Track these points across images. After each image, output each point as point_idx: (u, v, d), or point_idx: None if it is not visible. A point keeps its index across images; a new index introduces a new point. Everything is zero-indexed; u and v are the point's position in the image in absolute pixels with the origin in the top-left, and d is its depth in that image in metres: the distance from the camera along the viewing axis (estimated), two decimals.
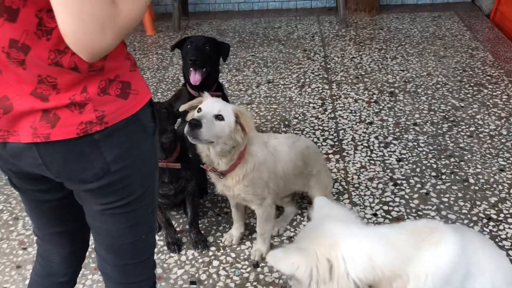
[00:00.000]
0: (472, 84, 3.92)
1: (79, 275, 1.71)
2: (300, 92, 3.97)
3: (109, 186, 1.23)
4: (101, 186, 1.22)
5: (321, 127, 3.49)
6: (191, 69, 2.61)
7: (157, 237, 2.59)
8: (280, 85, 4.09)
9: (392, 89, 3.92)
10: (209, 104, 2.02)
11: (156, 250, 2.38)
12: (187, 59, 2.61)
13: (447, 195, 2.78)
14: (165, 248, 2.54)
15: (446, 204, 2.72)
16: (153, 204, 1.40)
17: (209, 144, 2.03)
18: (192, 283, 2.33)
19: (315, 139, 3.35)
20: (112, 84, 1.14)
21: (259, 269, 2.38)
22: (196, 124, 1.90)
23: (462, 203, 2.72)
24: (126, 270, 1.43)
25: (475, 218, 2.61)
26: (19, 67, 1.07)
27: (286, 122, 3.57)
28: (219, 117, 1.97)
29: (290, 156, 2.36)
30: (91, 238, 1.51)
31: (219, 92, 2.82)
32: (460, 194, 2.78)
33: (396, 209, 2.70)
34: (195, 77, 2.59)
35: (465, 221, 2.59)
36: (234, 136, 2.01)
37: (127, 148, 1.20)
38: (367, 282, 1.41)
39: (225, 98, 2.87)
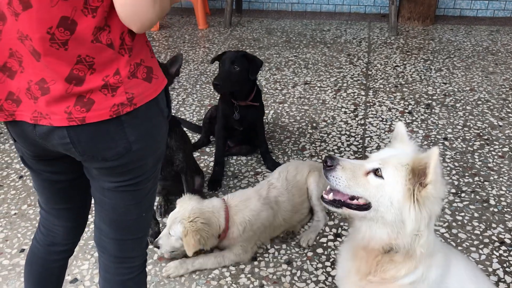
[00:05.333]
0: None
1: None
2: (334, 95, 3.97)
3: (127, 165, 1.32)
4: (121, 164, 1.30)
5: (348, 132, 3.47)
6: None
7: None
8: (316, 87, 4.11)
9: (430, 101, 3.83)
10: (169, 220, 2.29)
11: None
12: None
13: (462, 214, 2.70)
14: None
15: (459, 223, 2.64)
16: (156, 184, 1.50)
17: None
18: None
19: (339, 144, 3.34)
20: (139, 68, 1.23)
21: (255, 263, 2.43)
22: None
23: (476, 224, 2.63)
24: (123, 245, 1.50)
25: (486, 240, 2.52)
26: (61, 48, 1.15)
27: (314, 124, 3.58)
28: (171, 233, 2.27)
29: (290, 201, 2.49)
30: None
31: (256, 102, 2.98)
32: (476, 214, 2.69)
33: None
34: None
35: (475, 242, 2.51)
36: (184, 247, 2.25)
37: (147, 129, 1.29)
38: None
39: (261, 107, 3.11)
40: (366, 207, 1.46)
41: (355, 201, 1.48)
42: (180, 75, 4.35)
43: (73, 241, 1.73)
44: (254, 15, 5.85)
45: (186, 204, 2.30)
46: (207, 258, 2.37)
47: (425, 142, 3.32)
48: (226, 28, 5.47)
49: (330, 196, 1.51)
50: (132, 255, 1.53)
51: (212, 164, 3.14)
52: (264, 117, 3.66)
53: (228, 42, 5.09)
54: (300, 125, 3.58)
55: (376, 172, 1.43)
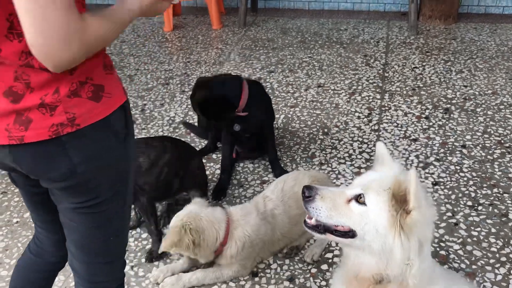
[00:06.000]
0: None
1: None
2: (348, 99, 3.83)
3: (77, 187, 1.26)
4: (69, 186, 1.25)
5: (360, 139, 3.33)
6: None
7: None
8: (329, 90, 3.97)
9: (448, 106, 3.65)
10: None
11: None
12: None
13: (478, 229, 2.54)
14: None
15: (475, 239, 2.48)
16: (123, 208, 1.42)
17: None
18: None
19: (351, 151, 3.21)
20: (84, 86, 1.16)
21: (256, 279, 2.34)
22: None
23: (493, 240, 2.47)
24: (92, 269, 1.46)
25: (503, 259, 2.36)
26: None
27: (326, 130, 3.45)
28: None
29: (286, 213, 2.38)
30: None
31: (246, 112, 2.78)
32: (493, 230, 2.53)
33: None
34: None
35: (491, 261, 2.35)
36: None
37: (95, 151, 1.22)
38: None
39: (269, 112, 3.03)
40: (351, 234, 1.35)
41: (339, 227, 1.37)
42: (189, 77, 4.28)
43: (60, 254, 1.68)
44: (269, 14, 5.72)
45: (188, 207, 2.26)
46: (205, 273, 2.28)
47: (442, 150, 3.16)
48: (240, 28, 5.36)
49: (313, 221, 1.41)
50: (103, 279, 1.48)
51: (218, 171, 3.05)
52: (274, 122, 3.55)
53: (242, 43, 4.98)
54: (311, 131, 3.45)
55: (358, 198, 1.32)
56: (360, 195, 1.33)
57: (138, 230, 2.67)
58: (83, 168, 1.22)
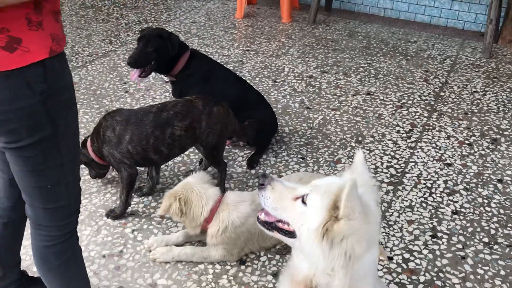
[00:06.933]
0: None
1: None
2: (394, 112, 3.71)
3: None
4: None
5: (392, 153, 3.23)
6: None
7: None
8: (377, 100, 3.87)
9: (498, 136, 3.43)
10: None
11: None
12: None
13: (486, 268, 2.39)
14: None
15: (478, 277, 2.34)
16: (60, 160, 1.49)
17: None
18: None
19: (378, 163, 3.13)
20: None
21: (242, 267, 2.37)
22: None
23: (498, 282, 2.31)
24: (35, 211, 1.57)
25: None
26: None
27: (360, 138, 3.38)
28: None
29: None
30: None
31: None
32: (502, 272, 2.37)
33: (417, 261, 2.42)
34: (132, 74, 3.00)
35: None
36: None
37: (6, 96, 1.31)
38: None
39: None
40: (294, 235, 1.34)
41: (285, 226, 1.37)
42: (243, 65, 4.35)
43: (15, 195, 1.71)
44: (342, 15, 5.64)
45: (188, 178, 2.37)
46: (194, 251, 2.36)
47: (474, 180, 2.99)
48: (308, 25, 5.35)
49: (262, 216, 1.42)
50: (45, 224, 1.57)
51: (240, 158, 3.11)
52: (310, 121, 3.54)
53: (305, 39, 4.97)
54: (345, 136, 3.40)
55: (304, 198, 1.31)
56: (306, 194, 1.32)
57: (150, 198, 2.80)
58: None
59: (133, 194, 2.74)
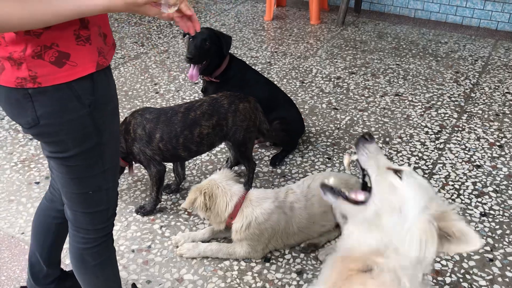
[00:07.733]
0: None
1: None
2: (422, 113, 3.68)
3: (42, 137, 1.44)
4: (36, 134, 1.43)
5: (420, 154, 3.21)
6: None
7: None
8: (406, 101, 3.84)
9: None
10: None
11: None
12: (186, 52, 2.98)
13: None
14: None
15: (507, 279, 2.31)
16: (103, 167, 1.54)
17: None
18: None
19: (406, 165, 3.11)
20: (48, 51, 1.31)
21: (267, 264, 2.40)
22: None
23: None
24: (74, 215, 1.63)
25: None
26: None
27: (387, 139, 3.37)
28: None
29: (307, 209, 2.40)
30: None
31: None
32: None
33: (443, 262, 2.40)
34: (192, 72, 2.98)
35: None
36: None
37: (56, 110, 1.37)
38: None
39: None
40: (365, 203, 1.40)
41: (353, 196, 1.41)
42: (271, 66, 4.39)
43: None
44: (371, 17, 5.62)
45: (214, 175, 2.43)
46: (219, 247, 2.40)
47: (505, 182, 2.93)
48: (337, 26, 5.34)
49: (331, 182, 1.47)
50: (84, 227, 1.63)
51: (267, 157, 3.15)
52: (337, 122, 3.55)
53: (334, 41, 4.97)
54: None
55: (398, 172, 1.35)
56: (400, 171, 1.37)
57: (178, 195, 2.87)
58: (45, 121, 1.38)
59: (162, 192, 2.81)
